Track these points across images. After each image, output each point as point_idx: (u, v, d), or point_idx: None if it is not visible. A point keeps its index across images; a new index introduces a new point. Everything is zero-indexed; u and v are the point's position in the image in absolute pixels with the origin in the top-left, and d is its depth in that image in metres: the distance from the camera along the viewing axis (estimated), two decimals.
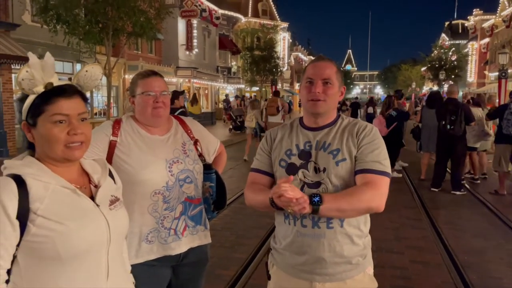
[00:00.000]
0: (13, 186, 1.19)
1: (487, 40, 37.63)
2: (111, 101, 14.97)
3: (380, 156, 1.63)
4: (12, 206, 1.16)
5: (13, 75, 11.99)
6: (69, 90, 1.28)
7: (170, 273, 2.03)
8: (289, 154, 1.72)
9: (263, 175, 1.79)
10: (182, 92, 7.69)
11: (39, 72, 1.24)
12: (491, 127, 8.28)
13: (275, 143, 1.79)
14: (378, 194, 1.57)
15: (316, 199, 1.48)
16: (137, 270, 1.63)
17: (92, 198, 1.34)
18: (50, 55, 1.30)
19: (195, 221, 2.01)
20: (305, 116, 1.77)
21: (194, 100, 16.26)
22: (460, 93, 42.48)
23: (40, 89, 1.25)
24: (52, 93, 1.26)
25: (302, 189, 1.64)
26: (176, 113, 6.99)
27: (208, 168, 2.08)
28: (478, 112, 7.94)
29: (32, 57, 1.26)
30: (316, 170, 1.66)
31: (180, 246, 1.95)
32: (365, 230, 1.72)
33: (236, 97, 27.83)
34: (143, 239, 1.89)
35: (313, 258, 1.64)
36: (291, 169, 1.69)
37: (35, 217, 1.19)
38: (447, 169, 7.74)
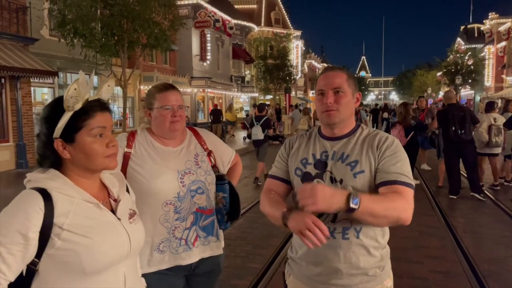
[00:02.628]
0: (39, 199, 1.20)
1: (504, 43, 37.02)
2: (127, 112, 15.19)
3: (403, 169, 1.58)
4: (37, 220, 1.18)
5: (32, 88, 12.28)
6: (102, 105, 1.32)
7: (183, 283, 2.04)
8: (304, 163, 1.71)
9: (279, 181, 1.80)
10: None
11: (85, 89, 1.27)
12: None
13: (293, 151, 1.79)
14: (408, 206, 1.52)
15: (356, 201, 1.39)
16: (149, 279, 1.65)
17: (113, 212, 1.36)
18: (82, 73, 1.33)
19: (207, 231, 2.02)
20: (322, 126, 1.77)
21: (229, 109, 21.84)
22: (478, 98, 41.69)
23: (79, 105, 1.27)
24: (91, 108, 1.28)
25: None
26: (262, 121, 8.98)
27: (221, 179, 2.08)
28: (483, 117, 7.77)
29: (81, 74, 1.29)
30: (332, 180, 1.64)
31: (191, 257, 1.96)
32: (383, 241, 1.68)
33: (254, 106, 27.98)
34: (155, 249, 1.92)
35: (329, 269, 1.63)
36: (306, 178, 1.68)
37: (60, 231, 1.21)
38: (464, 174, 7.62)
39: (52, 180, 1.27)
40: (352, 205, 1.39)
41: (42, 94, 14.02)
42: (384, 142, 1.64)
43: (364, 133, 1.71)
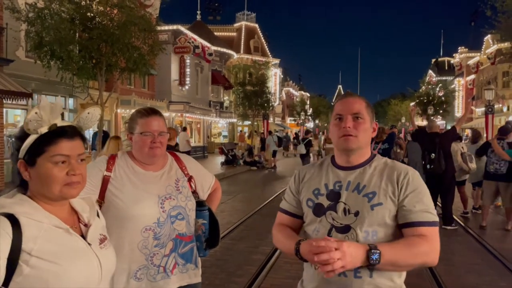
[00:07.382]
0: (7, 225, 1.17)
1: (473, 76, 38.72)
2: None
3: (428, 204, 1.53)
4: (5, 246, 1.15)
5: (4, 110, 11.99)
6: (71, 132, 1.31)
7: None
8: (316, 194, 1.62)
9: (289, 216, 1.72)
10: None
11: (47, 114, 1.27)
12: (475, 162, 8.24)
13: (303, 182, 1.70)
14: (434, 248, 1.49)
15: (375, 256, 1.37)
16: None
17: (83, 237, 1.34)
18: (60, 99, 1.33)
19: (186, 259, 1.98)
20: (336, 154, 1.66)
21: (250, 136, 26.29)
22: (449, 128, 43.09)
23: (45, 129, 1.26)
24: (55, 134, 1.27)
25: (329, 232, 1.54)
26: (305, 141, 15.56)
27: (201, 205, 2.06)
28: (455, 147, 8.01)
29: (43, 99, 1.30)
30: (346, 212, 1.54)
31: (169, 285, 1.92)
32: (399, 282, 1.55)
33: (249, 136, 28.21)
34: (132, 276, 1.87)
35: None
36: (318, 210, 1.59)
37: (28, 257, 1.18)
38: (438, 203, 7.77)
39: (19, 205, 1.24)
40: (372, 262, 1.37)
41: (15, 115, 13.70)
42: (404, 176, 1.55)
43: (380, 163, 1.62)
